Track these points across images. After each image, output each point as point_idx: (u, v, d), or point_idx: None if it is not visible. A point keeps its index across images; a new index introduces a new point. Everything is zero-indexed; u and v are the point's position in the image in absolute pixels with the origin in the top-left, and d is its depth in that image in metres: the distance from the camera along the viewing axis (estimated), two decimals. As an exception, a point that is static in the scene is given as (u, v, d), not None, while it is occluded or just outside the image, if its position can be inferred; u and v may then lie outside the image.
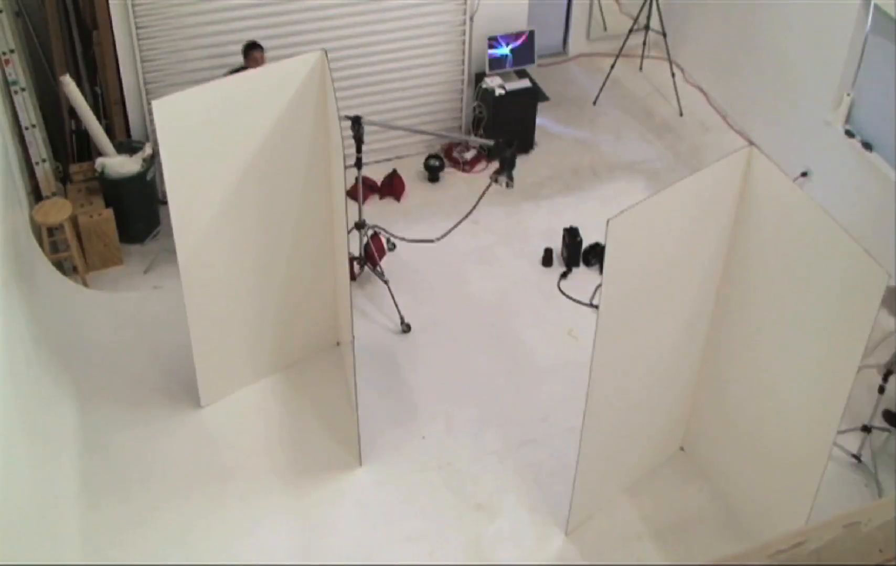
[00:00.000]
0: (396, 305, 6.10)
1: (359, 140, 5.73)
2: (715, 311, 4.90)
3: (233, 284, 5.28)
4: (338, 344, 5.92)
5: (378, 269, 6.26)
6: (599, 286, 4.87)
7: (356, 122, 5.70)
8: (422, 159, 7.37)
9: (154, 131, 6.15)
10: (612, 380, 4.53)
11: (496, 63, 7.35)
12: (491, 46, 7.28)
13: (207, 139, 4.79)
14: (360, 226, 6.08)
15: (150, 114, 6.59)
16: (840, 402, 4.19)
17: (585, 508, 4.97)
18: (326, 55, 4.91)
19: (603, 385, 4.44)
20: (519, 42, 7.36)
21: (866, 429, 5.27)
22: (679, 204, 4.29)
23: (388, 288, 6.15)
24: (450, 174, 7.39)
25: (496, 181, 5.73)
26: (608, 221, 3.92)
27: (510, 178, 5.69)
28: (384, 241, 6.48)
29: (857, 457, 5.31)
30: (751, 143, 7.81)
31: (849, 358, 4.10)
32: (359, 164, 5.80)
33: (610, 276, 4.10)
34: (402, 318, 6.08)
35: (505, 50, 7.32)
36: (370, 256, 6.26)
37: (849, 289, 4.09)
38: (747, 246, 4.59)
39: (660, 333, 4.71)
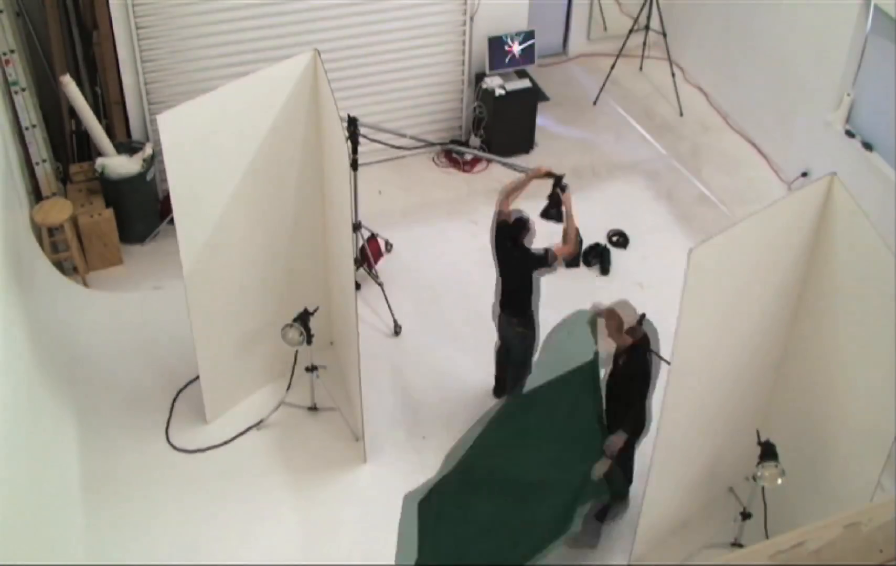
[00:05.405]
0: (390, 307, 6.10)
1: (354, 141, 5.71)
2: (788, 343, 4.78)
3: (236, 293, 5.26)
4: (331, 343, 5.91)
5: (373, 271, 6.26)
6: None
7: (352, 123, 5.68)
8: (423, 157, 7.35)
9: (155, 131, 6.16)
10: (683, 416, 4.45)
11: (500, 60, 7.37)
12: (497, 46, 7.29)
13: (210, 149, 4.76)
14: (355, 227, 6.07)
15: (151, 114, 6.60)
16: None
17: (647, 542, 4.87)
18: (319, 55, 4.88)
19: (673, 420, 4.35)
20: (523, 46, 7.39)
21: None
22: (757, 234, 4.17)
23: (382, 290, 6.15)
24: (450, 174, 7.39)
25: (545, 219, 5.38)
26: (690, 251, 3.82)
27: (559, 215, 5.34)
28: (381, 243, 6.48)
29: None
30: (751, 143, 7.88)
31: None
32: (354, 165, 5.80)
33: (687, 308, 4.00)
34: (395, 321, 6.08)
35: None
36: (366, 258, 6.26)
37: None
38: (822, 278, 4.47)
39: (731, 366, 4.60)
